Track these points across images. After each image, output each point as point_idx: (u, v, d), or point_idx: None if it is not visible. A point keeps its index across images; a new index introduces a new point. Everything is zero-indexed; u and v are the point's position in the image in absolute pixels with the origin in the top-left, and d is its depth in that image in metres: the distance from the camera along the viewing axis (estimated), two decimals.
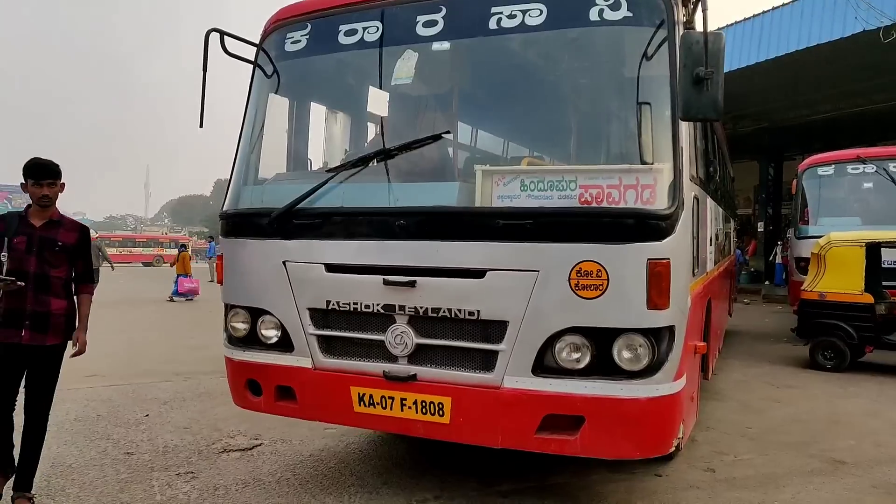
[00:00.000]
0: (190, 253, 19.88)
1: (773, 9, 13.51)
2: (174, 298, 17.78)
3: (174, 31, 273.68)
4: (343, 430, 5.28)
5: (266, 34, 4.20)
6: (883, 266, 8.54)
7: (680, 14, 3.38)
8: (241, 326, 3.99)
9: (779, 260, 20.09)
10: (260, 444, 4.94)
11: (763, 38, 13.77)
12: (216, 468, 4.41)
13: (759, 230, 22.45)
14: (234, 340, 4.06)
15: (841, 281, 8.01)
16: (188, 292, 17.71)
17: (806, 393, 6.96)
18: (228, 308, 4.09)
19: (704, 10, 3.23)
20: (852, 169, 10.34)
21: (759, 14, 13.84)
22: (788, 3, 13.19)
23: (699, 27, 3.21)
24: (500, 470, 4.34)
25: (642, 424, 3.31)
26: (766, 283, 20.32)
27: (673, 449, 3.63)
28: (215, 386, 6.91)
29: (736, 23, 14.28)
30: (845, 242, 8.08)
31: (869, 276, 7.95)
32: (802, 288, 8.39)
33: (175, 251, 26.71)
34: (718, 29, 14.39)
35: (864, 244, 8.01)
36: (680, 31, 3.32)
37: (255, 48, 4.18)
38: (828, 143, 19.72)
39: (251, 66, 4.21)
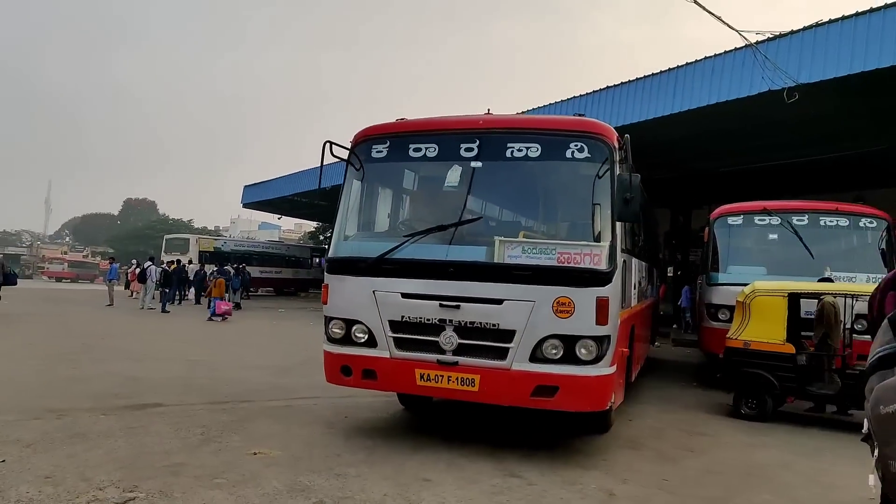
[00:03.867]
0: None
1: (687, 64, 14.09)
2: (212, 318, 19.57)
3: (78, 35, 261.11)
4: (234, 481, 4.72)
5: (356, 143, 6.39)
6: (802, 317, 8.74)
7: (617, 155, 5.71)
8: (338, 331, 6.03)
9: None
10: (134, 499, 4.29)
11: (677, 91, 14.29)
12: None
13: (668, 275, 23.20)
14: (333, 340, 6.08)
15: (764, 330, 8.03)
16: (223, 313, 19.81)
17: (718, 441, 6.93)
18: (329, 319, 6.11)
19: (630, 162, 5.90)
20: (759, 220, 10.71)
21: (674, 68, 14.37)
22: (701, 60, 13.79)
23: (627, 164, 5.89)
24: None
25: (592, 390, 5.46)
26: (674, 326, 20.90)
27: (608, 408, 5.77)
28: (92, 425, 6.17)
29: (653, 74, 14.81)
30: (769, 292, 8.17)
31: (790, 326, 8.05)
32: (728, 336, 8.37)
33: None
34: (631, 80, 15.09)
35: (786, 294, 8.10)
36: (618, 167, 5.65)
37: (348, 152, 6.39)
38: (733, 195, 20.79)
39: (344, 162, 6.42)
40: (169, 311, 21.77)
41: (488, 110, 6.53)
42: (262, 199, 34.63)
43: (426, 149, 6.10)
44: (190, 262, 30.38)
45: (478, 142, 5.94)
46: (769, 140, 16.31)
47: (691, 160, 19.14)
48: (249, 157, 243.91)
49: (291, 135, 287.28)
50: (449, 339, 5.54)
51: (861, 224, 10.29)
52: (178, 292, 26.50)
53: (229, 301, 21.78)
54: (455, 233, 5.78)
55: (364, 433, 6.39)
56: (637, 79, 15.18)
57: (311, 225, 60.40)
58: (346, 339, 5.97)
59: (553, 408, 5.48)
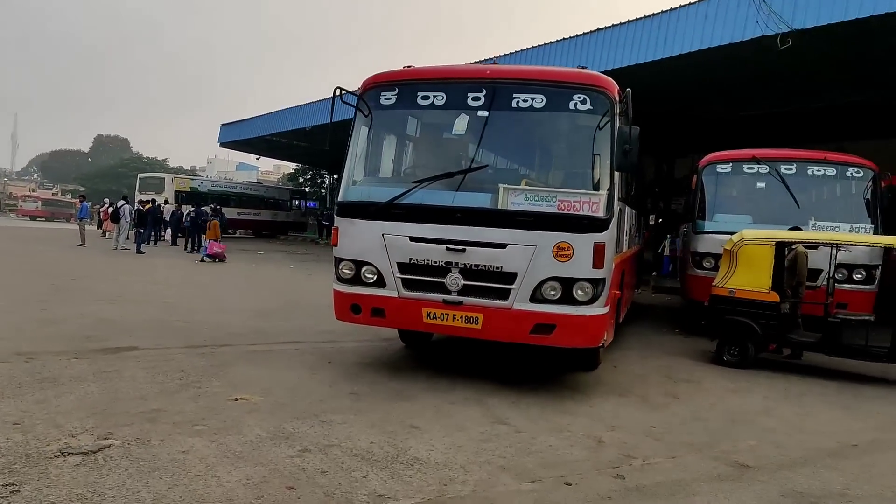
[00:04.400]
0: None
1: (680, 6, 13.66)
2: (205, 259, 19.67)
3: None
4: (215, 428, 4.58)
5: (365, 90, 6.52)
6: (785, 265, 8.70)
7: (618, 108, 5.91)
8: (348, 272, 6.28)
9: (667, 252, 20.89)
10: (109, 446, 4.12)
11: (669, 35, 13.88)
12: (46, 478, 3.58)
13: (650, 223, 23.19)
14: (343, 280, 6.34)
15: (750, 278, 8.01)
16: (216, 255, 19.71)
17: (702, 388, 6.95)
18: (339, 261, 6.35)
19: (630, 114, 6.20)
20: (748, 168, 10.57)
21: (666, 11, 13.95)
22: (694, 3, 13.36)
23: (628, 115, 6.20)
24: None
25: (587, 329, 5.79)
26: (654, 273, 21.02)
27: (600, 345, 6.21)
28: (63, 369, 5.95)
29: (644, 17, 14.36)
30: (757, 240, 8.10)
31: (775, 275, 8.02)
32: (714, 284, 8.35)
33: None
34: (622, 23, 14.64)
35: (774, 243, 8.03)
36: (618, 119, 5.86)
37: (357, 98, 6.51)
38: (716, 145, 20.63)
39: (352, 108, 6.53)
40: (144, 252, 21.31)
41: (494, 60, 6.78)
42: (239, 138, 33.73)
43: (434, 97, 6.27)
44: (166, 201, 29.69)
45: (484, 91, 6.11)
46: (755, 90, 16.08)
47: (677, 110, 18.84)
48: (227, 94, 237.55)
49: (270, 71, 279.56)
50: (455, 280, 5.84)
51: (848, 174, 10.18)
52: (153, 233, 25.94)
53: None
54: (461, 180, 5.99)
55: (349, 379, 6.27)
56: (627, 21, 14.71)
57: (289, 166, 59.27)
58: (356, 280, 6.25)
59: (550, 344, 5.83)
